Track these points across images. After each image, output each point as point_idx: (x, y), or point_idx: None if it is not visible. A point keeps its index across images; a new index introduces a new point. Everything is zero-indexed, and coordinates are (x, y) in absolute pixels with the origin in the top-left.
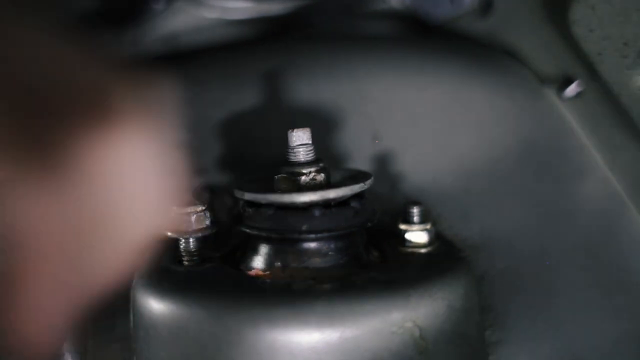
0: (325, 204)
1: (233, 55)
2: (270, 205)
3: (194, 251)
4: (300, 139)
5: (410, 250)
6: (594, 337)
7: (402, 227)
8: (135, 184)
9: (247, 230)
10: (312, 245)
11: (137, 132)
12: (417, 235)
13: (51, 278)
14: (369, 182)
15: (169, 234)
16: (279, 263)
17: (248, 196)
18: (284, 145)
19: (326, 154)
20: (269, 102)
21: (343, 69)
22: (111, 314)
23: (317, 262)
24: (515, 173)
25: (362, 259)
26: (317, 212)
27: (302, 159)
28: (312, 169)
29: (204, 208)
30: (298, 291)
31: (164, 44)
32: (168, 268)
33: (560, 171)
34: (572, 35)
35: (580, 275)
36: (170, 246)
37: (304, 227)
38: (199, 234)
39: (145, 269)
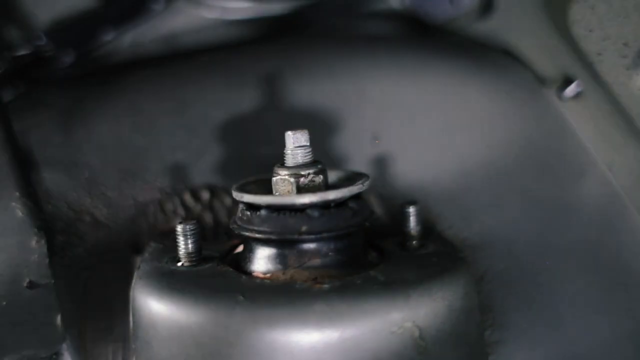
0: (324, 205)
1: (233, 55)
2: (270, 207)
3: (194, 252)
4: (299, 141)
5: (409, 250)
6: (593, 336)
7: (401, 227)
8: None
9: (247, 234)
10: (312, 246)
11: None
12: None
13: None
14: (367, 183)
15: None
16: (279, 264)
17: (247, 198)
18: (283, 146)
19: (325, 154)
20: (269, 103)
21: (342, 69)
22: (110, 315)
23: (316, 262)
24: (515, 173)
25: (362, 259)
26: (316, 213)
27: (301, 161)
28: (311, 171)
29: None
30: (298, 291)
31: (164, 44)
32: (168, 268)
33: (560, 171)
34: (572, 35)
35: (580, 275)
36: (170, 247)
37: (304, 229)
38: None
39: (145, 269)
